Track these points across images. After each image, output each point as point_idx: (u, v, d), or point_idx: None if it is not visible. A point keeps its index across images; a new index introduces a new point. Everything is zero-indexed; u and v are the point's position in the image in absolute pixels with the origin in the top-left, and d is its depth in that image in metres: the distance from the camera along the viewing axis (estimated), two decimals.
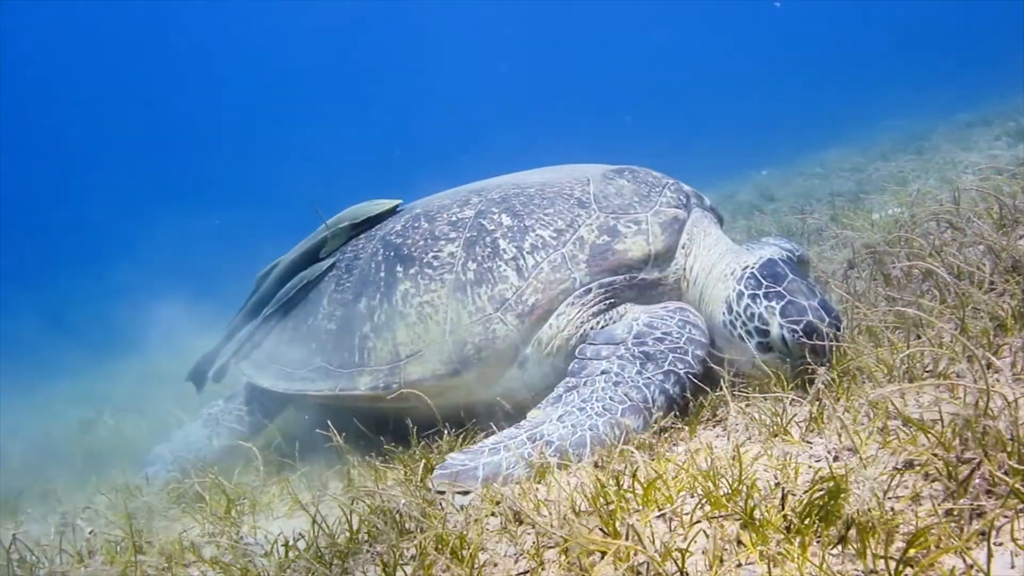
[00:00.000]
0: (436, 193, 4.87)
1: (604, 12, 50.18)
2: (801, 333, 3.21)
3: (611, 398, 3.20)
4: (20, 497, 4.23)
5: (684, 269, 3.88)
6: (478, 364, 3.74)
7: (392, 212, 4.81)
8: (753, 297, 3.43)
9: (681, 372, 3.29)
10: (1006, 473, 1.96)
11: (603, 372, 3.35)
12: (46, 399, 8.23)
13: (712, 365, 3.41)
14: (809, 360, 3.17)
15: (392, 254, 4.21)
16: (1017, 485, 1.88)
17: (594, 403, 3.22)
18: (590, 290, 3.71)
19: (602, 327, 3.67)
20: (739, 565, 2.03)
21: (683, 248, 3.87)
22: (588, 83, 49.23)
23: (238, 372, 4.88)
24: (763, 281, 3.46)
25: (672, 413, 3.20)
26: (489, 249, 3.88)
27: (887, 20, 45.25)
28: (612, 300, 3.74)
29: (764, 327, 3.35)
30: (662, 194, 3.98)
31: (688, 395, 3.29)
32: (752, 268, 3.56)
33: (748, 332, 3.42)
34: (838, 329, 3.27)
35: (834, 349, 3.20)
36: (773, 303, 3.35)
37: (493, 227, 3.95)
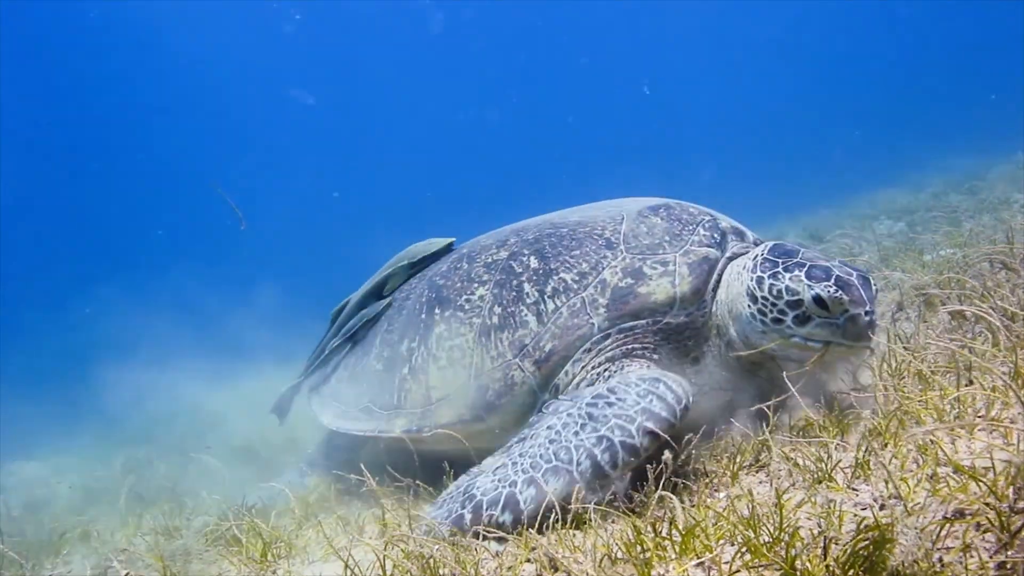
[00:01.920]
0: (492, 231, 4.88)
1: (662, 49, 50.43)
2: (835, 287, 3.18)
3: (540, 456, 3.08)
4: (63, 538, 4.27)
5: (713, 311, 3.72)
6: (499, 410, 3.73)
7: (448, 250, 4.90)
8: (774, 275, 3.37)
9: (615, 440, 3.01)
10: None
11: (548, 427, 3.22)
12: (93, 439, 8.35)
13: (764, 407, 3.25)
14: (853, 314, 3.15)
15: (434, 296, 4.27)
16: None
17: (525, 459, 3.12)
18: (608, 335, 3.62)
19: (608, 375, 3.55)
20: None
21: (714, 290, 3.72)
22: (648, 121, 49.38)
23: (309, 408, 5.01)
24: (778, 260, 3.43)
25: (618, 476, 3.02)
26: (514, 293, 3.87)
27: (941, 58, 44.81)
28: (633, 347, 3.62)
29: (795, 297, 3.28)
30: (695, 232, 3.82)
31: (621, 464, 2.99)
32: (762, 254, 3.53)
33: (780, 312, 3.34)
34: (868, 281, 3.26)
35: (875, 299, 3.20)
36: (796, 272, 3.31)
37: (521, 270, 3.94)
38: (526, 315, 3.78)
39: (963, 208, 8.83)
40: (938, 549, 2.01)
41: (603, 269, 3.73)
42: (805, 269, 3.30)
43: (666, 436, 3.01)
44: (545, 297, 3.77)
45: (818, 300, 3.21)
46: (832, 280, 3.21)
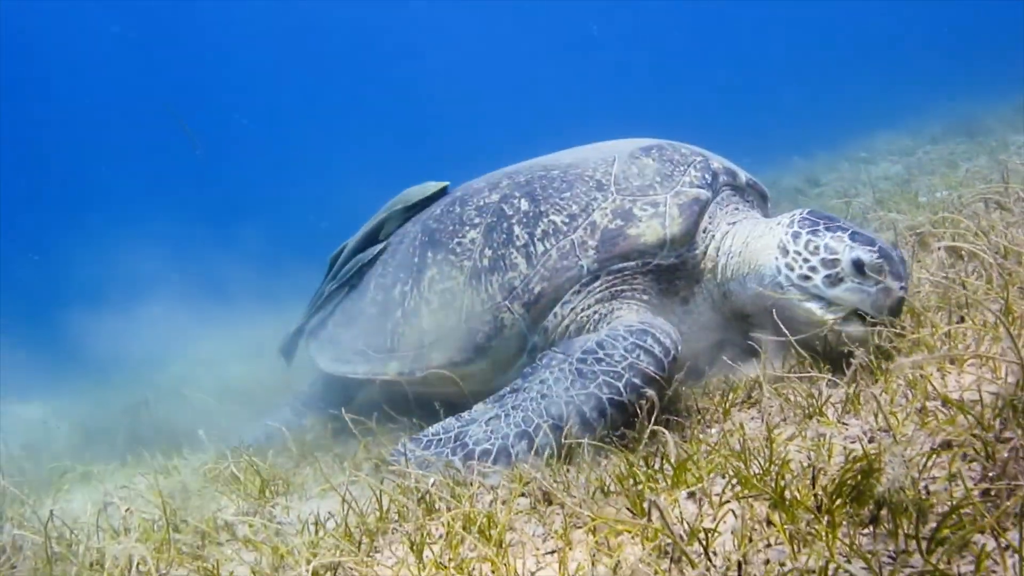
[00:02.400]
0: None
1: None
2: (879, 253, 3.10)
3: (532, 411, 3.12)
4: (63, 478, 4.31)
5: (705, 252, 3.70)
6: (489, 353, 3.76)
7: (443, 193, 4.89)
8: (814, 232, 3.29)
9: (604, 397, 3.06)
10: None
11: (541, 381, 3.25)
12: (91, 384, 8.40)
13: (754, 344, 3.28)
14: (887, 286, 3.08)
15: (427, 239, 4.26)
16: None
17: (518, 413, 3.16)
18: (598, 277, 3.61)
19: (598, 318, 3.59)
20: (768, 545, 2.00)
21: (704, 231, 3.69)
22: (641, 64, 48.95)
23: (307, 351, 5.05)
24: (819, 220, 3.36)
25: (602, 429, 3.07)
26: (504, 236, 3.86)
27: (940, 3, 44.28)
28: (622, 288, 3.62)
29: (832, 256, 3.19)
30: (686, 173, 3.77)
31: (609, 419, 3.06)
32: (801, 214, 3.46)
33: (811, 268, 3.24)
34: (905, 262, 3.21)
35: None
36: (839, 233, 3.23)
37: (512, 212, 3.92)
38: (516, 257, 3.77)
39: (960, 151, 8.81)
40: (925, 479, 2.05)
41: (593, 211, 3.71)
42: (848, 232, 3.23)
43: (652, 391, 3.04)
44: (535, 239, 3.75)
45: (857, 263, 3.12)
46: (876, 247, 3.13)
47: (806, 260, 3.27)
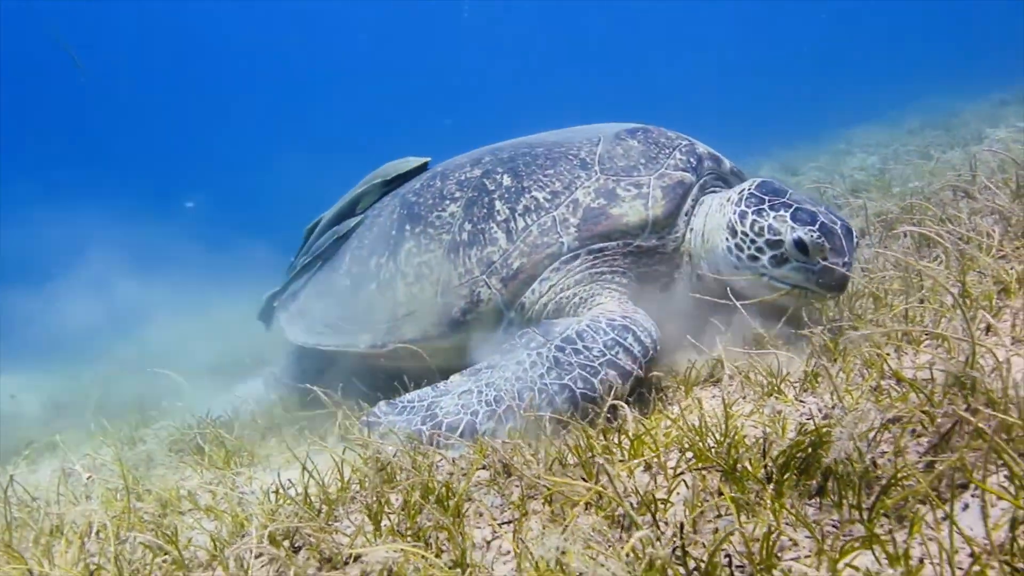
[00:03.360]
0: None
1: None
2: (818, 232, 3.12)
3: (505, 392, 3.12)
4: (30, 447, 4.30)
5: (684, 236, 3.67)
6: (464, 327, 3.72)
7: (422, 169, 4.87)
8: (759, 212, 3.29)
9: (577, 390, 3.04)
10: (990, 428, 1.93)
11: (518, 362, 3.25)
12: (65, 356, 8.36)
13: (716, 323, 3.31)
14: (830, 263, 3.10)
15: (405, 212, 4.22)
16: (997, 439, 1.84)
17: (490, 390, 3.17)
18: (578, 255, 3.57)
19: (578, 301, 3.56)
20: (718, 516, 2.02)
21: (685, 215, 3.66)
22: (629, 56, 49.06)
23: (278, 324, 5.03)
24: (765, 196, 3.35)
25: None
26: (485, 210, 3.81)
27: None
28: (602, 269, 3.59)
29: (776, 237, 3.22)
30: (671, 156, 3.74)
31: (580, 411, 3.02)
32: (748, 189, 3.45)
33: (758, 249, 3.27)
34: (851, 233, 3.20)
35: (855, 252, 3.15)
36: (782, 212, 3.24)
37: (494, 187, 3.88)
38: (496, 232, 3.73)
39: (936, 143, 8.87)
40: (874, 453, 2.08)
41: (576, 189, 3.68)
42: (791, 210, 3.23)
43: (625, 389, 3.06)
44: (516, 215, 3.72)
45: (799, 243, 3.15)
46: (816, 225, 3.14)
47: (752, 241, 3.29)
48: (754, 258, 3.30)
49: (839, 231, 3.15)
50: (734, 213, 3.38)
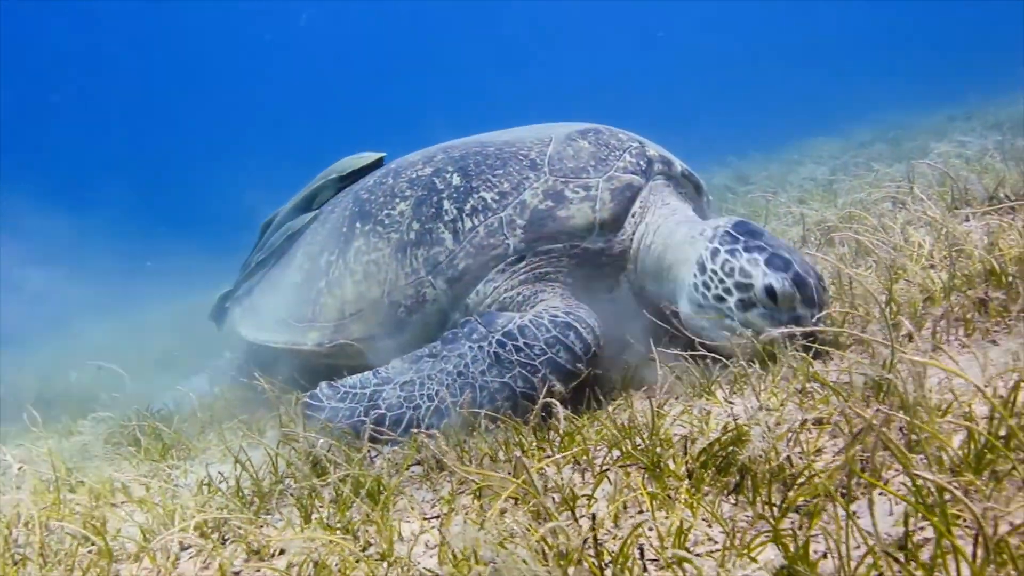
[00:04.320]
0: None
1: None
2: (791, 281, 2.99)
3: (447, 386, 3.15)
4: None
5: (632, 239, 3.65)
6: (408, 327, 3.71)
7: (378, 164, 4.85)
8: (732, 252, 3.16)
9: (517, 390, 3.06)
10: (900, 430, 2.00)
11: (459, 355, 3.26)
12: (8, 350, 8.24)
13: (658, 323, 3.32)
14: (799, 315, 3.00)
15: (357, 210, 4.20)
16: (885, 435, 1.91)
17: (432, 384, 3.19)
18: (523, 257, 3.56)
19: (521, 299, 3.55)
20: (640, 511, 2.07)
21: (633, 217, 3.63)
22: (585, 64, 49.30)
23: (230, 320, 5.01)
24: (740, 237, 3.23)
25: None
26: (433, 210, 3.80)
27: (888, 15, 45.29)
28: (547, 270, 3.58)
29: (746, 280, 3.09)
30: (621, 158, 3.72)
31: (520, 409, 3.02)
32: (725, 227, 3.32)
33: (726, 290, 3.14)
34: (823, 286, 3.11)
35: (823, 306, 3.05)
36: (756, 255, 3.11)
37: (443, 187, 3.86)
38: (443, 232, 3.72)
39: (883, 156, 9.05)
40: (792, 451, 2.13)
41: (524, 190, 3.67)
42: (766, 255, 3.10)
43: (566, 388, 3.07)
44: (463, 215, 3.71)
45: (769, 290, 3.02)
46: (790, 273, 3.01)
47: (721, 281, 3.16)
48: (720, 299, 3.17)
49: (812, 282, 3.04)
50: (706, 249, 3.27)
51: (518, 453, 2.11)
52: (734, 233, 3.26)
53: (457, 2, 48.18)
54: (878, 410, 1.88)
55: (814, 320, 2.99)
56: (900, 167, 6.83)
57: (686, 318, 3.34)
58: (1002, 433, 1.81)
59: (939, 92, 16.51)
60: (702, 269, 3.24)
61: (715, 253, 3.22)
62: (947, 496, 1.69)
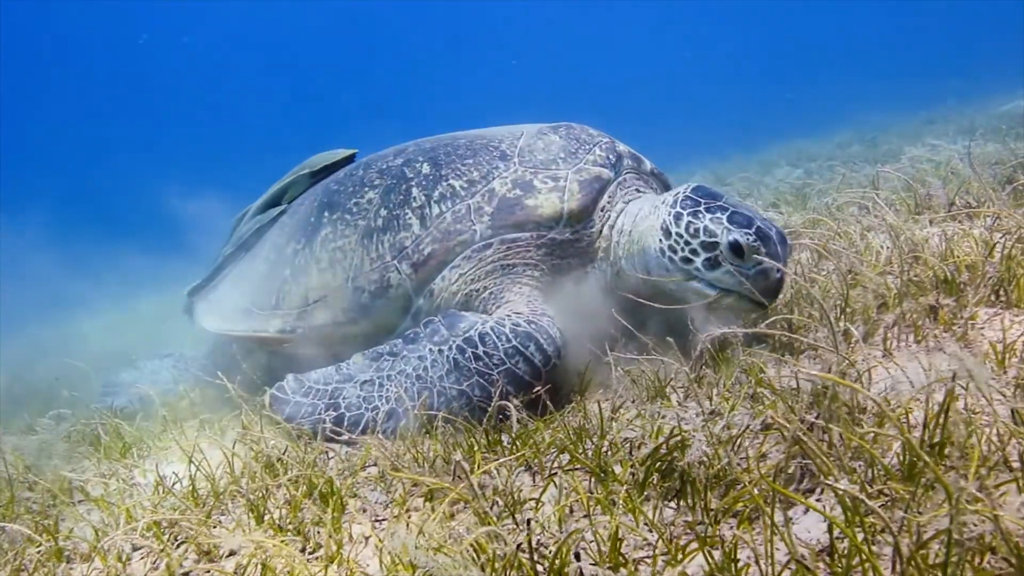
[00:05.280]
0: None
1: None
2: (755, 235, 3.09)
3: (404, 389, 3.17)
4: None
5: (600, 232, 3.68)
6: (373, 313, 3.70)
7: (350, 160, 4.86)
8: (695, 214, 3.25)
9: (474, 398, 3.10)
10: (841, 437, 2.03)
11: (419, 357, 3.27)
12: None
13: (622, 320, 3.27)
14: (765, 268, 3.08)
15: (326, 200, 4.20)
16: (806, 440, 1.94)
17: (391, 386, 3.21)
18: (490, 245, 3.57)
19: (488, 296, 3.57)
20: (586, 515, 2.09)
21: (602, 210, 3.66)
22: (566, 73, 49.47)
23: (193, 314, 4.99)
24: (701, 200, 3.31)
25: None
26: (402, 196, 3.80)
27: (875, 19, 45.63)
28: (514, 262, 3.59)
29: (711, 239, 3.17)
30: (591, 152, 3.76)
31: (476, 416, 3.05)
32: (685, 192, 3.41)
33: (692, 251, 3.23)
34: (785, 241, 3.19)
35: (788, 261, 3.14)
36: (718, 215, 3.20)
37: (412, 175, 3.87)
38: (410, 218, 3.72)
39: (858, 158, 9.12)
40: (737, 456, 2.16)
41: (493, 179, 3.69)
42: (728, 213, 3.19)
43: (521, 399, 3.03)
44: (431, 201, 3.72)
45: (734, 246, 3.12)
46: (753, 229, 3.11)
47: (687, 243, 3.25)
48: (687, 260, 3.26)
49: (774, 236, 3.14)
50: (668, 215, 3.35)
51: (458, 457, 2.12)
52: (694, 197, 3.35)
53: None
54: (802, 419, 1.91)
55: (779, 273, 3.08)
56: (871, 171, 6.87)
57: (657, 284, 3.40)
58: (936, 440, 1.85)
59: (922, 94, 16.67)
60: (667, 234, 3.32)
61: (678, 217, 3.30)
62: (879, 504, 1.73)
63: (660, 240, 3.35)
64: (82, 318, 8.72)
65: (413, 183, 3.84)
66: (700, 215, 3.24)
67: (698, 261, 3.23)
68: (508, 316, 3.33)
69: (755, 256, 3.10)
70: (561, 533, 1.99)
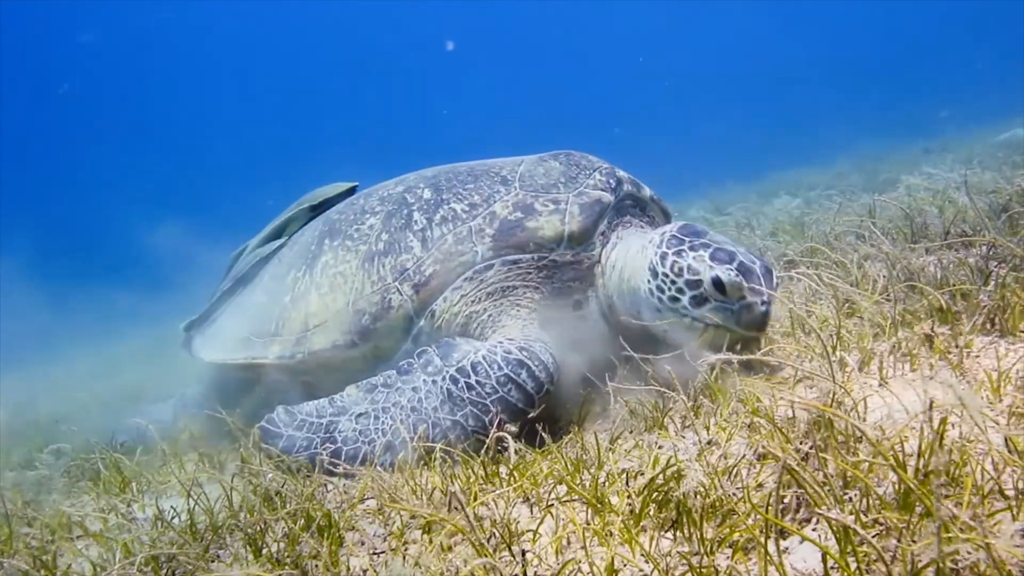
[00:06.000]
0: None
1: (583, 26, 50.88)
2: (735, 271, 3.14)
3: (400, 421, 3.18)
4: None
5: (601, 255, 3.71)
6: (373, 335, 3.69)
7: (350, 193, 4.88)
8: (678, 253, 3.31)
9: (468, 428, 3.12)
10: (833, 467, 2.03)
11: (414, 389, 3.29)
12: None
13: (626, 347, 3.27)
14: (749, 303, 3.13)
15: (327, 229, 4.23)
16: (794, 469, 1.94)
17: (386, 419, 3.22)
18: (492, 266, 3.59)
19: (486, 318, 3.58)
20: (583, 547, 2.08)
21: (602, 234, 3.71)
22: (579, 96, 49.88)
23: (191, 347, 5.00)
24: (685, 238, 3.38)
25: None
26: (403, 221, 3.84)
27: (870, 45, 46.01)
28: (515, 283, 3.61)
29: (695, 277, 3.23)
30: (591, 176, 3.82)
31: (472, 445, 3.09)
32: (671, 231, 3.46)
33: (678, 290, 3.28)
34: (770, 273, 3.23)
35: (775, 292, 3.17)
36: (701, 252, 3.26)
37: (413, 200, 3.91)
38: (411, 241, 3.74)
39: (858, 187, 9.17)
40: (734, 486, 2.16)
41: (495, 202, 3.73)
42: (710, 250, 3.25)
43: (516, 426, 3.07)
44: (433, 224, 3.74)
45: (716, 282, 3.16)
46: (734, 264, 3.17)
47: (673, 282, 3.30)
48: (675, 299, 3.31)
49: (758, 270, 3.18)
50: (655, 255, 3.40)
51: (454, 488, 2.13)
52: (679, 235, 3.41)
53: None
54: (797, 449, 1.91)
55: (763, 307, 3.14)
56: (868, 199, 6.91)
57: (650, 325, 3.43)
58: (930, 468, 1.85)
59: (921, 124, 16.77)
60: (654, 274, 3.38)
61: (663, 257, 3.36)
62: (873, 533, 1.73)
63: (648, 281, 3.41)
64: (77, 354, 8.75)
65: (415, 207, 3.88)
66: (684, 254, 3.31)
67: (684, 300, 3.28)
68: (500, 343, 3.35)
69: (739, 291, 3.15)
70: (559, 565, 2.00)
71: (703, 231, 3.45)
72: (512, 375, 3.18)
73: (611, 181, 3.83)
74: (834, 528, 1.60)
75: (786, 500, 2.00)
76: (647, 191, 4.07)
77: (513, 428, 2.99)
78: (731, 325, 3.20)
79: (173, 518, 2.82)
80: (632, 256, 3.60)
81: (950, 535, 1.48)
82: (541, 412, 3.21)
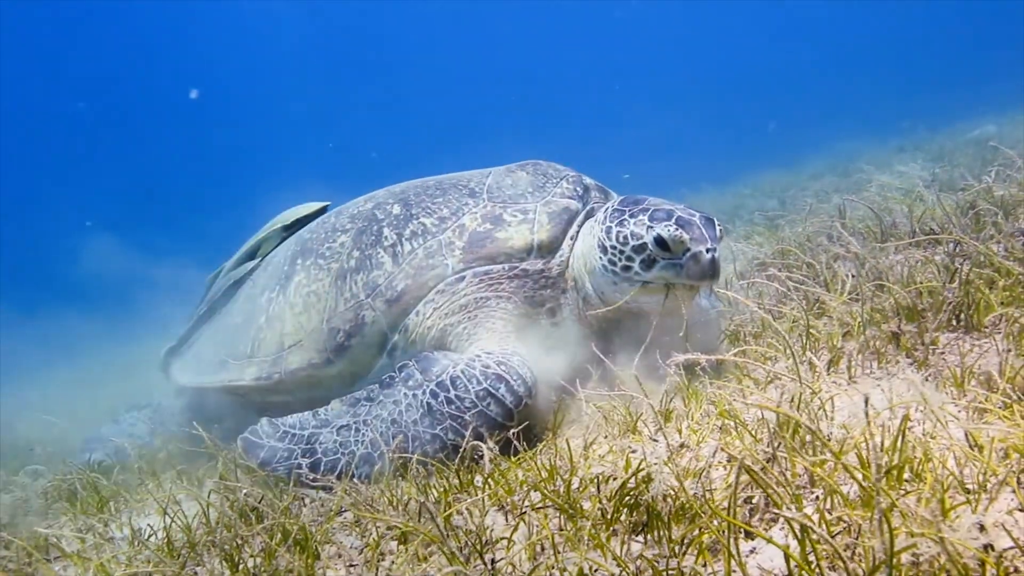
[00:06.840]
0: None
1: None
2: (675, 226, 3.20)
3: (381, 435, 3.20)
4: None
5: (570, 259, 3.73)
6: (348, 352, 3.72)
7: (321, 213, 4.89)
8: (621, 223, 3.38)
9: (448, 441, 3.13)
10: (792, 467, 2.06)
11: (395, 402, 3.32)
12: None
13: (596, 351, 3.32)
14: (694, 252, 3.19)
15: (299, 248, 4.25)
16: (755, 472, 1.97)
17: (367, 431, 3.24)
18: (463, 277, 3.61)
19: (461, 331, 3.59)
20: (556, 553, 2.10)
21: (571, 239, 3.73)
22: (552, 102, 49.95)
23: (168, 372, 4.99)
24: (626, 208, 3.45)
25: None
26: (373, 237, 3.86)
27: (842, 45, 46.37)
28: (487, 295, 3.62)
29: (639, 241, 3.29)
30: (558, 185, 3.86)
31: (450, 457, 3.07)
32: (612, 205, 3.54)
33: (627, 258, 3.34)
34: (711, 222, 3.30)
35: (719, 239, 3.25)
36: (640, 217, 3.33)
37: (383, 216, 3.93)
38: (382, 257, 3.77)
39: (832, 188, 9.25)
40: (706, 488, 2.18)
41: (464, 215, 3.76)
42: (648, 213, 3.31)
43: (494, 440, 3.04)
44: (403, 239, 3.77)
45: (659, 240, 3.22)
46: (673, 220, 3.23)
47: (621, 252, 3.36)
48: (627, 268, 3.37)
49: (697, 221, 3.25)
50: (601, 231, 3.47)
51: (424, 499, 2.14)
52: (620, 208, 3.48)
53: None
54: (764, 450, 1.94)
55: (710, 253, 3.21)
56: (840, 199, 6.99)
57: (614, 300, 3.48)
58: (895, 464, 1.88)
59: (888, 123, 16.91)
60: (603, 250, 3.44)
61: (608, 231, 3.43)
62: (837, 531, 1.76)
63: (600, 257, 3.47)
64: (52, 377, 8.70)
65: (384, 223, 3.90)
66: (625, 222, 3.37)
67: (635, 265, 3.34)
68: (479, 357, 3.35)
69: (682, 244, 3.21)
70: (534, 572, 2.01)
71: (642, 199, 3.51)
72: (491, 390, 3.19)
73: (578, 188, 3.87)
74: (792, 527, 1.63)
75: (755, 500, 2.03)
76: (615, 197, 4.03)
77: (491, 443, 3.00)
78: (684, 279, 3.27)
79: (150, 536, 2.82)
80: (584, 238, 3.66)
81: (910, 531, 1.52)
82: (518, 420, 3.22)
